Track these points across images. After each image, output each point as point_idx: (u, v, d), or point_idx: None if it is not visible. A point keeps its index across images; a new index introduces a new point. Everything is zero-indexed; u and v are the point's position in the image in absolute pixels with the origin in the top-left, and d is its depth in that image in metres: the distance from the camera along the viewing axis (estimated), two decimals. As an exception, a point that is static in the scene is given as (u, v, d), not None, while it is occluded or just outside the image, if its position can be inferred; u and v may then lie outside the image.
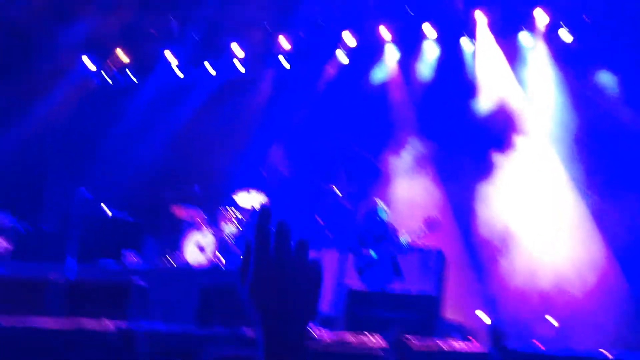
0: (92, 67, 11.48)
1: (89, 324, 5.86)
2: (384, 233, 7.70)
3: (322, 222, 8.58)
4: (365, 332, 5.44)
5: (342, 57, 10.69)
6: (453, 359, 4.80)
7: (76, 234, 7.53)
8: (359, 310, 5.75)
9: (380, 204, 8.13)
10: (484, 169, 9.24)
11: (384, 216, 7.94)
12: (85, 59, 11.42)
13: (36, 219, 9.47)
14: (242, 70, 11.15)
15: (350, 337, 5.41)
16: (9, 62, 10.83)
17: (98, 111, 11.16)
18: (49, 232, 8.97)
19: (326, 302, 7.32)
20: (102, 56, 11.52)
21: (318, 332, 5.47)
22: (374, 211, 7.92)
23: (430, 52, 10.27)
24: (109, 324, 5.83)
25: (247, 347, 5.48)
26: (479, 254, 8.96)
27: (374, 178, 9.78)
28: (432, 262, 7.76)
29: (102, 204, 8.55)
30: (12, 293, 6.23)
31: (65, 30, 11.06)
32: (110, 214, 8.70)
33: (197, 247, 8.61)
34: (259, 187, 9.15)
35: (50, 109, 11.10)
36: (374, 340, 5.22)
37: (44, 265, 7.31)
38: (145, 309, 6.66)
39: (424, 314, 5.39)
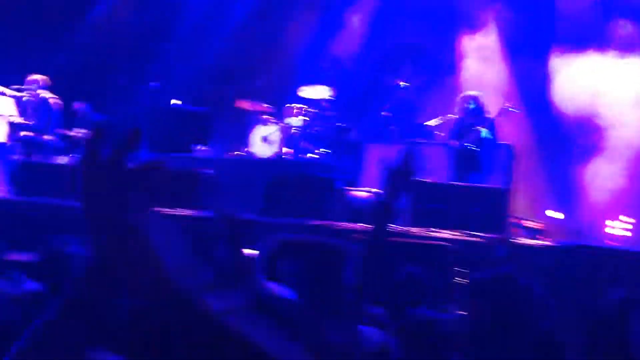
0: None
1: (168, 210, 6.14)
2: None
3: (387, 116, 8.51)
4: (430, 225, 5.52)
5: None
6: (522, 254, 4.85)
7: (147, 126, 7.75)
8: (423, 204, 5.81)
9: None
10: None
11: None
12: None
13: (107, 113, 9.76)
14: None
15: (415, 231, 5.51)
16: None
17: (162, 5, 11.10)
18: (120, 124, 9.25)
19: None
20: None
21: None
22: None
23: None
24: (181, 211, 6.10)
25: (310, 234, 5.67)
26: (552, 147, 8.80)
27: (441, 73, 9.54)
28: (501, 156, 7.64)
29: (171, 97, 8.70)
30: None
31: None
32: (177, 104, 8.86)
33: (263, 140, 8.75)
34: (323, 81, 9.08)
35: (114, 4, 11.11)
36: (439, 233, 5.31)
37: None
38: (213, 198, 6.91)
39: (492, 207, 5.41)
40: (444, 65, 9.77)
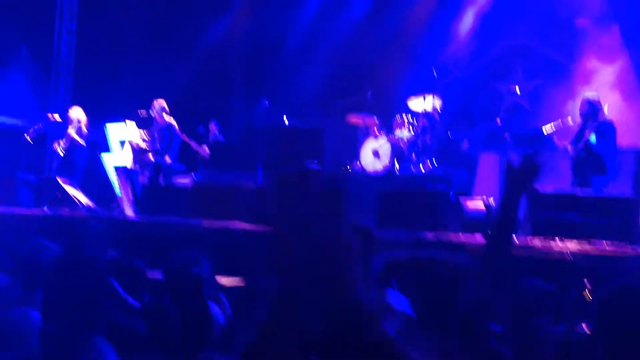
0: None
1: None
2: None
3: (499, 123, 8.28)
4: (553, 236, 5.28)
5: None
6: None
7: (260, 144, 7.99)
8: (545, 214, 5.57)
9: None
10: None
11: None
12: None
13: (224, 129, 10.21)
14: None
15: (536, 242, 5.29)
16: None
17: (270, 24, 11.46)
18: (236, 142, 9.65)
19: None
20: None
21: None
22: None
23: None
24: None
25: (426, 249, 5.58)
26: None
27: (556, 75, 9.16)
28: (629, 162, 7.19)
29: (283, 115, 8.95)
30: (210, 198, 6.84)
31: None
32: (289, 121, 9.10)
33: (374, 154, 8.77)
34: (432, 91, 8.97)
35: (227, 24, 11.61)
36: (563, 245, 5.07)
37: (234, 173, 7.91)
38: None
39: (621, 217, 5.09)
40: (557, 67, 9.38)
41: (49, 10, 10.99)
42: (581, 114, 7.23)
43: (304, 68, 10.91)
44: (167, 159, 8.67)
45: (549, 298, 3.49)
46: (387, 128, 9.06)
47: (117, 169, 7.56)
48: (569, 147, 7.22)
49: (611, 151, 7.05)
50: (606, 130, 7.07)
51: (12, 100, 10.69)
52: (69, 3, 11.21)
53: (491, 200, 6.60)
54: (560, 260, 4.81)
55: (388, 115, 9.22)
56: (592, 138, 7.03)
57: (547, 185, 5.82)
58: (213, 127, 10.03)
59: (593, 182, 6.88)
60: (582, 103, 7.31)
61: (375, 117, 9.18)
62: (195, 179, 8.44)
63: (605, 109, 7.28)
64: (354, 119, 9.30)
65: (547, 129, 7.91)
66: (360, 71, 10.37)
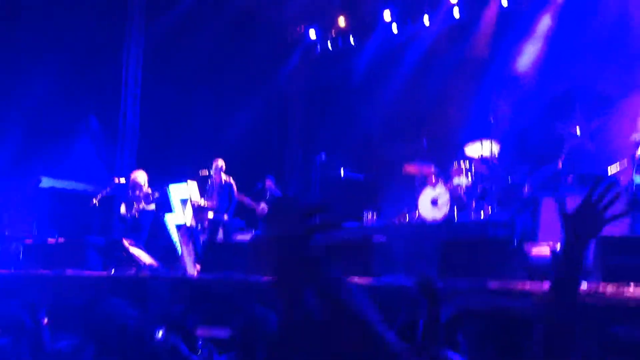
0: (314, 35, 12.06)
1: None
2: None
3: (560, 166, 8.04)
4: (624, 282, 5.01)
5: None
6: None
7: (318, 197, 8.02)
8: (615, 259, 5.31)
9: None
10: None
11: None
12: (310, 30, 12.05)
13: (282, 184, 10.33)
14: (457, 16, 10.82)
15: (608, 288, 5.03)
16: (240, 41, 11.79)
17: (323, 77, 11.68)
18: (293, 196, 9.73)
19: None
20: (324, 23, 12.03)
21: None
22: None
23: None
24: (356, 280, 6.13)
25: (492, 297, 5.38)
26: None
27: (614, 114, 8.89)
28: None
29: (339, 167, 9.00)
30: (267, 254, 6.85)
31: (287, 3, 11.71)
32: (346, 173, 9.13)
33: (432, 203, 8.65)
34: (489, 136, 8.85)
35: (282, 81, 11.89)
36: (637, 290, 4.79)
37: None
38: (387, 265, 6.88)
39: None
40: (618, 105, 9.11)
41: (115, 77, 11.55)
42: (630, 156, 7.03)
43: (359, 118, 11.00)
44: (225, 217, 8.80)
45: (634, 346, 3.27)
46: (445, 176, 8.95)
47: (178, 227, 7.72)
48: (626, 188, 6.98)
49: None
50: None
51: (81, 166, 11.16)
52: (134, 68, 11.74)
53: (557, 245, 6.35)
54: (632, 307, 4.54)
55: (445, 162, 9.12)
56: (638, 180, 6.82)
57: (614, 228, 5.57)
58: (269, 183, 10.16)
59: None
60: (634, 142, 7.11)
61: (432, 166, 9.10)
62: (254, 234, 8.51)
63: None
64: (411, 168, 9.24)
65: (613, 169, 7.64)
66: (416, 119, 10.37)
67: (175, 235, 7.94)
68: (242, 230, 9.03)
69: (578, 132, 8.22)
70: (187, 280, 6.77)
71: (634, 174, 6.98)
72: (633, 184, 6.93)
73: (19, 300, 4.00)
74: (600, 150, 8.61)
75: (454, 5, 10.76)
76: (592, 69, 9.33)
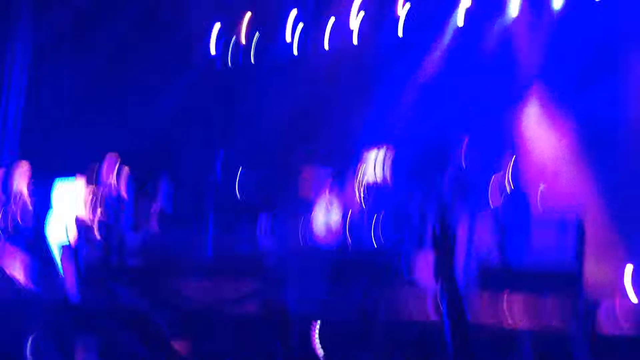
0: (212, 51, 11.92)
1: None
2: None
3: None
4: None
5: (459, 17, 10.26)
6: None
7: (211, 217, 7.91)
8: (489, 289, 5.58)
9: None
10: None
11: None
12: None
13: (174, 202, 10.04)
14: (355, 41, 11.06)
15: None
16: (141, 40, 11.44)
17: (222, 94, 11.55)
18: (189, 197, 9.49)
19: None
20: (223, 38, 11.90)
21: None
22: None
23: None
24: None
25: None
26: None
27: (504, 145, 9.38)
28: (570, 232, 7.32)
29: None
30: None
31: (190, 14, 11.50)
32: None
33: (325, 227, 8.71)
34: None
35: (177, 93, 11.64)
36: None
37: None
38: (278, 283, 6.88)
39: (564, 292, 5.11)
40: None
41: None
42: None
43: (255, 139, 10.96)
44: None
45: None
46: (341, 197, 9.02)
47: (61, 246, 7.31)
48: None
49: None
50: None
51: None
52: (20, 59, 11.12)
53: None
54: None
55: (341, 186, 9.21)
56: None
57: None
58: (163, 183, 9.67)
59: None
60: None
61: (327, 189, 9.16)
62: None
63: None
64: (306, 190, 9.26)
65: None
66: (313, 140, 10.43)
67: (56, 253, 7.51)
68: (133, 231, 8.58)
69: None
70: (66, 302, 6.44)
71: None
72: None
73: None
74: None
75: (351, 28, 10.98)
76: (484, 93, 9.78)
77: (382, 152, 8.96)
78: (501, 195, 7.61)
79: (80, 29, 10.94)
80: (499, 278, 5.54)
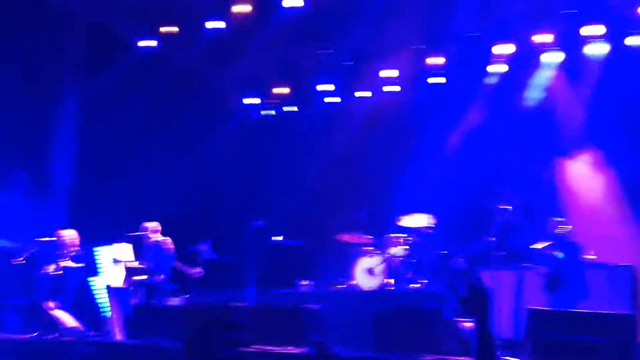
0: (254, 102, 12.21)
1: (272, 348, 6.08)
2: (565, 248, 7.31)
3: (493, 241, 8.29)
4: (554, 357, 5.13)
5: (497, 68, 10.38)
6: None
7: (253, 263, 7.95)
8: (543, 333, 5.44)
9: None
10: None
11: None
12: (247, 97, 12.21)
13: (217, 248, 10.15)
14: (396, 89, 11.21)
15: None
16: (179, 105, 11.78)
17: (262, 144, 11.76)
18: (228, 261, 9.57)
19: (506, 324, 7.04)
20: (262, 92, 12.22)
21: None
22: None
23: (594, 52, 9.62)
24: (290, 349, 6.03)
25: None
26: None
27: (544, 191, 9.33)
28: (622, 278, 7.17)
29: (274, 234, 8.98)
30: (201, 318, 6.68)
31: (227, 71, 11.84)
32: (280, 240, 9.10)
33: (367, 272, 8.70)
34: (424, 210, 9.07)
35: (217, 146, 11.88)
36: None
37: (227, 293, 7.79)
38: (321, 333, 6.81)
39: (620, 336, 4.96)
40: (544, 186, 9.59)
41: (48, 133, 11.24)
42: (549, 235, 7.47)
43: (295, 188, 11.06)
44: (160, 277, 8.56)
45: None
46: (380, 246, 9.05)
47: (108, 288, 7.43)
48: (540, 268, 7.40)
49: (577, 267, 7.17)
50: (570, 247, 7.27)
51: (8, 223, 10.67)
52: (69, 125, 11.47)
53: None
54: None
55: (381, 233, 9.24)
56: (560, 256, 7.20)
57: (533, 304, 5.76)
58: (204, 247, 9.91)
59: (560, 299, 6.96)
60: (550, 225, 7.57)
61: (367, 236, 9.19)
62: (186, 299, 8.28)
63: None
64: (346, 237, 9.30)
65: (539, 246, 7.95)
66: (353, 191, 10.52)
67: (102, 298, 7.63)
68: (174, 294, 8.76)
69: (509, 208, 8.53)
70: (114, 345, 6.48)
71: (557, 251, 7.32)
72: (556, 260, 7.25)
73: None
74: (528, 226, 8.95)
75: (390, 79, 11.17)
76: (520, 149, 9.82)
77: (423, 215, 9.00)
78: (551, 244, 7.54)
79: (121, 91, 11.29)
80: (553, 323, 5.41)
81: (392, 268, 8.72)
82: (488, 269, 8.13)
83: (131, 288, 8.38)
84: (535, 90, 10.08)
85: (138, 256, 8.87)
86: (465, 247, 8.96)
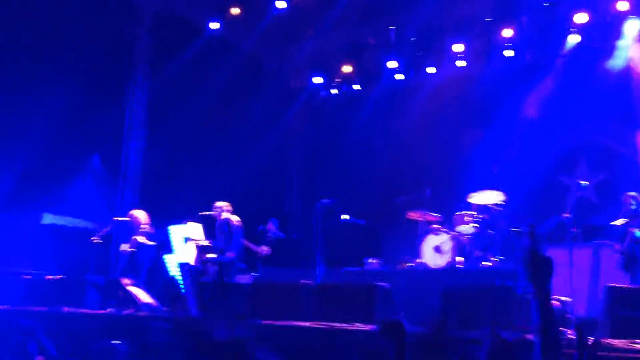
0: (320, 82, 12.22)
1: (340, 325, 6.13)
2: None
3: (568, 217, 8.03)
4: (631, 335, 4.95)
5: (573, 39, 9.99)
6: None
7: (320, 241, 8.00)
8: (622, 311, 5.25)
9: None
10: None
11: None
12: (312, 77, 12.22)
13: (284, 227, 10.32)
14: (463, 64, 10.98)
15: (617, 343, 4.96)
16: (245, 87, 11.95)
17: (328, 123, 11.78)
18: (296, 239, 9.68)
19: (582, 303, 6.85)
20: (328, 72, 12.22)
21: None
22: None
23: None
24: (358, 325, 6.06)
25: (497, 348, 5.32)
26: None
27: (623, 166, 8.96)
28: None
29: (342, 213, 9.00)
30: (270, 295, 6.80)
31: (292, 51, 11.90)
32: (347, 218, 9.12)
33: (435, 250, 8.61)
34: (494, 186, 8.87)
35: (286, 126, 11.99)
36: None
37: (294, 271, 7.89)
38: (389, 311, 6.80)
39: None
40: (622, 160, 9.19)
41: (119, 116, 11.64)
42: (628, 212, 7.15)
43: (363, 166, 11.05)
44: (230, 254, 8.76)
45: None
46: (449, 224, 8.93)
47: (181, 265, 7.66)
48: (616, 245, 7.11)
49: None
50: None
51: (83, 204, 11.15)
52: (139, 109, 11.83)
53: (564, 298, 6.30)
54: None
55: (449, 211, 9.12)
56: (637, 233, 6.88)
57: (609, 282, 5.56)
58: (271, 226, 10.14)
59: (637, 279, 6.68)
60: (627, 200, 7.25)
61: (435, 214, 9.09)
62: (255, 277, 8.44)
63: None
64: (415, 215, 9.23)
65: (618, 223, 7.66)
66: (420, 167, 10.41)
67: (176, 275, 7.88)
68: (243, 272, 8.96)
69: (584, 185, 8.25)
70: (188, 320, 6.69)
71: (634, 228, 7.04)
72: (633, 237, 6.98)
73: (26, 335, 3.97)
74: (605, 202, 8.64)
75: (459, 54, 10.94)
76: (598, 124, 9.45)
77: (492, 192, 8.79)
78: (629, 221, 7.26)
79: (190, 75, 11.55)
80: (632, 301, 5.22)
81: (461, 246, 8.60)
82: (563, 246, 7.90)
83: (203, 266, 8.62)
84: (613, 61, 9.66)
85: (209, 235, 9.10)
86: (538, 224, 8.72)
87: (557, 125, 9.77)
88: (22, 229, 10.25)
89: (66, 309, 7.30)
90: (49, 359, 3.97)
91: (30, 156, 10.35)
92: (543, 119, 10.00)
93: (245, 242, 9.40)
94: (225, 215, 9.01)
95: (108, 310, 7.51)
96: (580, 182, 8.22)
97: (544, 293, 2.39)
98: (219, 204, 9.10)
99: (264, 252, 9.58)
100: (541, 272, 2.43)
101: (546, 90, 10.14)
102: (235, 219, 9.01)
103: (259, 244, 9.83)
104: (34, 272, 9.22)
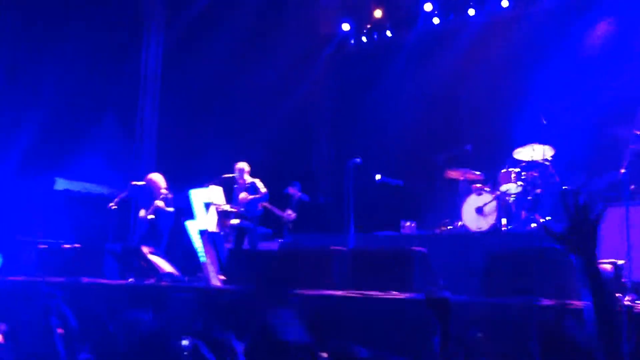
0: (348, 28, 12.04)
1: (375, 294, 6.15)
2: None
3: (624, 173, 7.85)
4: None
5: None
6: None
7: (351, 204, 7.98)
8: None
9: None
10: None
11: None
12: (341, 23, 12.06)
13: (312, 191, 10.33)
14: (506, 4, 10.69)
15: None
16: (267, 37, 11.84)
17: (358, 75, 11.65)
18: (323, 202, 9.69)
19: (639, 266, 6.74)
20: (357, 17, 12.03)
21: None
22: None
23: None
24: (394, 294, 6.07)
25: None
26: None
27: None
28: None
29: (375, 173, 8.95)
30: (298, 263, 6.84)
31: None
32: (381, 179, 9.07)
33: (477, 211, 8.54)
34: (542, 140, 8.71)
35: (312, 79, 11.89)
36: None
37: (324, 236, 7.91)
38: (427, 278, 6.79)
39: None
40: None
41: (133, 76, 11.69)
42: None
43: (396, 122, 10.93)
44: (253, 220, 8.84)
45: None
46: (492, 183, 8.83)
47: (201, 233, 7.74)
48: None
49: None
50: None
51: (97, 168, 11.30)
52: (153, 66, 11.86)
53: (619, 261, 6.20)
54: None
55: (492, 168, 9.01)
56: None
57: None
58: (293, 190, 10.12)
59: None
60: None
61: (478, 172, 8.98)
62: (281, 243, 8.49)
63: None
64: (454, 173, 9.14)
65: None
66: (460, 121, 10.26)
67: (197, 242, 7.97)
68: (268, 239, 9.04)
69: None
70: (210, 290, 6.78)
71: None
72: None
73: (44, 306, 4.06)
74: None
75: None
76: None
77: (540, 146, 8.61)
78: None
79: (206, 29, 11.47)
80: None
81: (506, 207, 8.51)
82: (617, 205, 7.75)
83: (224, 232, 8.71)
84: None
85: (230, 199, 9.16)
86: (590, 181, 8.58)
87: (612, 72, 9.49)
88: (34, 195, 10.44)
89: (85, 280, 7.45)
90: (70, 331, 4.07)
91: (42, 118, 10.48)
92: (597, 65, 9.73)
93: (270, 207, 9.44)
94: (248, 178, 9.05)
95: (129, 280, 7.65)
96: (639, 133, 8.00)
97: (594, 261, 2.32)
98: (238, 165, 9.13)
99: (290, 217, 9.63)
100: (586, 235, 2.37)
101: (601, 32, 9.84)
102: (256, 182, 9.04)
103: (283, 208, 9.88)
104: (49, 241, 9.41)
